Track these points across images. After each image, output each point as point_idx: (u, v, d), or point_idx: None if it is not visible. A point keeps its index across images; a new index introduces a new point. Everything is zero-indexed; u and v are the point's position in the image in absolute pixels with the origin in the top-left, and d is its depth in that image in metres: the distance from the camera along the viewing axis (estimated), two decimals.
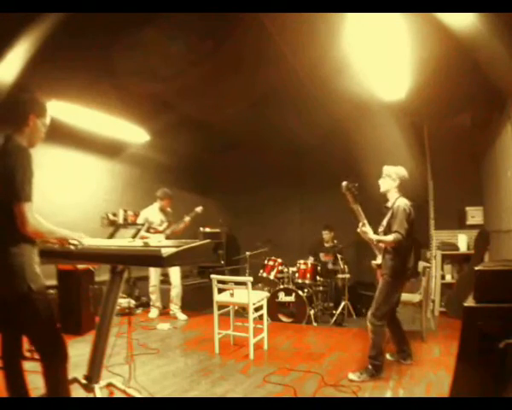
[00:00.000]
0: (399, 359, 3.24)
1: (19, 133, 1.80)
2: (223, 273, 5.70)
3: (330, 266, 5.46)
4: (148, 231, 4.83)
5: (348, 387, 2.72)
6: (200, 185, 7.45)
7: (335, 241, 5.62)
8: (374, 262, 3.15)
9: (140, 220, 5.00)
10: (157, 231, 4.89)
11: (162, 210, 5.05)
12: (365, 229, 2.96)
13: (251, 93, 4.62)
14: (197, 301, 5.52)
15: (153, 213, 5.01)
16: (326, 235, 5.71)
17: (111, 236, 2.57)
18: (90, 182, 5.46)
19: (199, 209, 5.08)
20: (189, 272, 6.31)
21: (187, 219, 5.03)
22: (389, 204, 3.11)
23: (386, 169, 3.13)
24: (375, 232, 3.03)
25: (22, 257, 1.70)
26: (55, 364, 1.80)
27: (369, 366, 2.89)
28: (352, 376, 2.89)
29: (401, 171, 3.12)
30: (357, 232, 3.04)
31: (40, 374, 1.79)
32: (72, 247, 1.90)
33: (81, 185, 5.30)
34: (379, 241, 2.98)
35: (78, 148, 5.18)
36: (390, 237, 2.90)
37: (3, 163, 1.70)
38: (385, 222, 3.09)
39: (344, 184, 2.80)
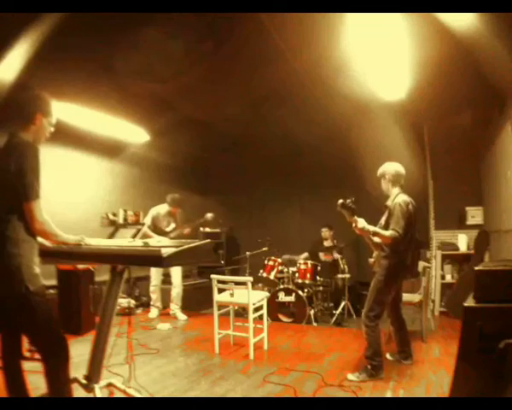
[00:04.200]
0: (400, 359, 3.24)
1: (24, 131, 1.78)
2: (223, 273, 5.70)
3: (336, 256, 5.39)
4: (154, 231, 4.85)
5: (348, 387, 2.72)
6: (200, 185, 7.45)
7: (335, 241, 5.62)
8: (370, 259, 3.14)
9: (148, 217, 5.04)
10: (163, 233, 4.91)
11: (170, 213, 5.08)
12: (359, 220, 2.82)
13: (251, 93, 4.63)
14: (197, 301, 5.52)
15: (162, 214, 5.04)
16: (325, 232, 5.71)
17: (111, 236, 2.57)
18: (90, 182, 5.46)
19: (209, 216, 5.07)
20: (189, 272, 6.31)
21: (194, 224, 5.06)
22: (389, 202, 3.06)
23: (379, 171, 3.12)
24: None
25: (20, 257, 1.69)
26: (56, 364, 1.79)
27: (368, 366, 2.88)
28: (350, 376, 2.88)
29: (389, 166, 3.08)
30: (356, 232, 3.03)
31: (40, 374, 1.78)
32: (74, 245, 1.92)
33: (81, 185, 5.30)
34: (375, 233, 2.86)
35: (78, 148, 5.18)
36: (387, 233, 2.83)
37: (10, 160, 1.67)
38: (383, 221, 3.06)
39: (339, 203, 2.76)
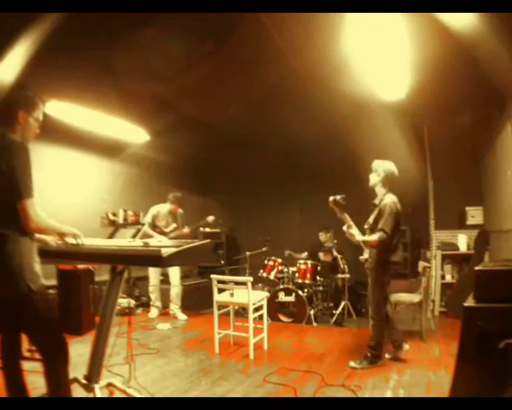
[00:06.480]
0: (396, 352, 3.26)
1: (12, 131, 1.78)
2: (223, 273, 5.69)
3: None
4: (153, 230, 4.85)
5: (348, 387, 2.72)
6: (200, 185, 7.44)
7: (335, 241, 5.61)
8: (361, 257, 3.24)
9: (149, 215, 5.04)
10: (162, 232, 4.91)
11: (171, 213, 5.08)
12: (352, 231, 3.10)
13: (251, 93, 4.62)
14: (197, 301, 5.52)
15: (162, 213, 5.05)
16: (322, 236, 5.72)
17: (111, 236, 2.57)
18: (90, 182, 5.46)
19: (210, 219, 5.12)
20: (189, 272, 6.32)
21: (194, 226, 5.08)
22: (376, 201, 3.18)
23: (374, 164, 3.21)
24: (362, 229, 3.17)
25: (21, 256, 1.69)
26: (56, 364, 1.79)
27: (368, 354, 3.08)
28: (352, 364, 3.11)
29: (388, 165, 3.17)
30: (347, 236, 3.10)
31: (40, 374, 1.78)
32: (70, 242, 1.91)
33: (81, 185, 5.30)
34: (365, 241, 3.09)
35: (78, 148, 5.18)
36: (375, 237, 3.00)
37: (1, 161, 1.67)
38: (371, 219, 3.17)
39: (330, 199, 3.02)
